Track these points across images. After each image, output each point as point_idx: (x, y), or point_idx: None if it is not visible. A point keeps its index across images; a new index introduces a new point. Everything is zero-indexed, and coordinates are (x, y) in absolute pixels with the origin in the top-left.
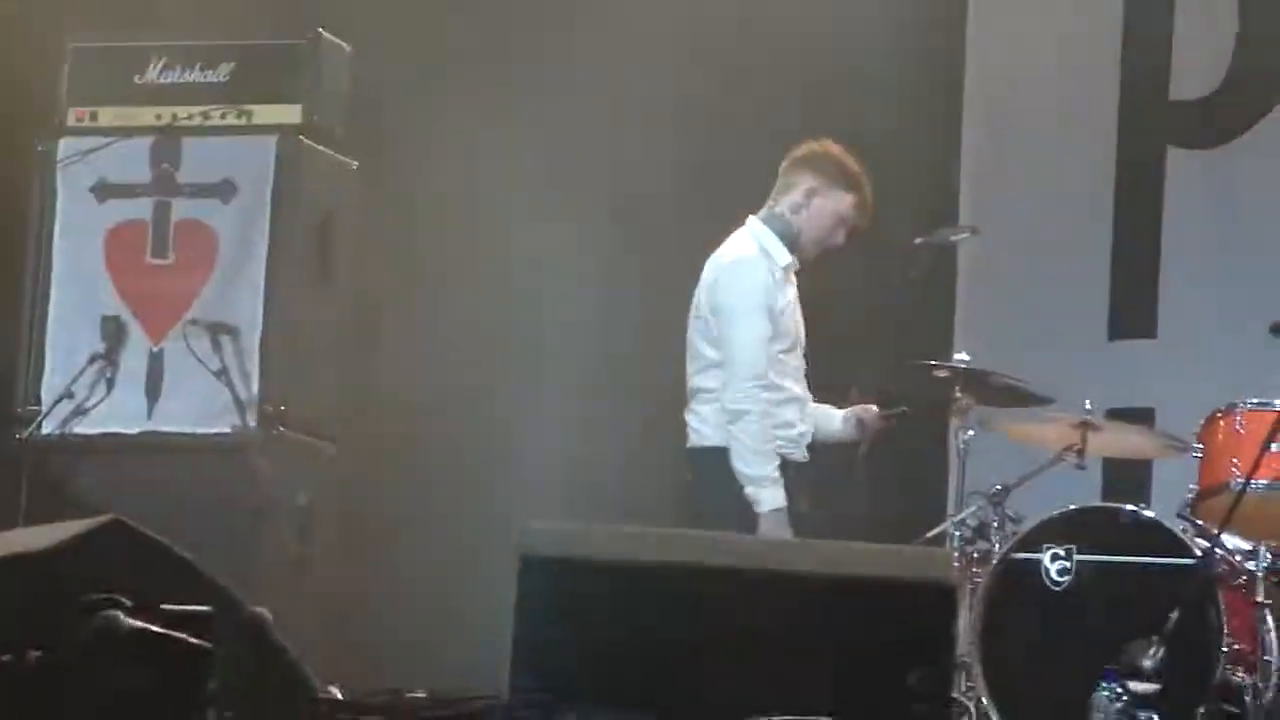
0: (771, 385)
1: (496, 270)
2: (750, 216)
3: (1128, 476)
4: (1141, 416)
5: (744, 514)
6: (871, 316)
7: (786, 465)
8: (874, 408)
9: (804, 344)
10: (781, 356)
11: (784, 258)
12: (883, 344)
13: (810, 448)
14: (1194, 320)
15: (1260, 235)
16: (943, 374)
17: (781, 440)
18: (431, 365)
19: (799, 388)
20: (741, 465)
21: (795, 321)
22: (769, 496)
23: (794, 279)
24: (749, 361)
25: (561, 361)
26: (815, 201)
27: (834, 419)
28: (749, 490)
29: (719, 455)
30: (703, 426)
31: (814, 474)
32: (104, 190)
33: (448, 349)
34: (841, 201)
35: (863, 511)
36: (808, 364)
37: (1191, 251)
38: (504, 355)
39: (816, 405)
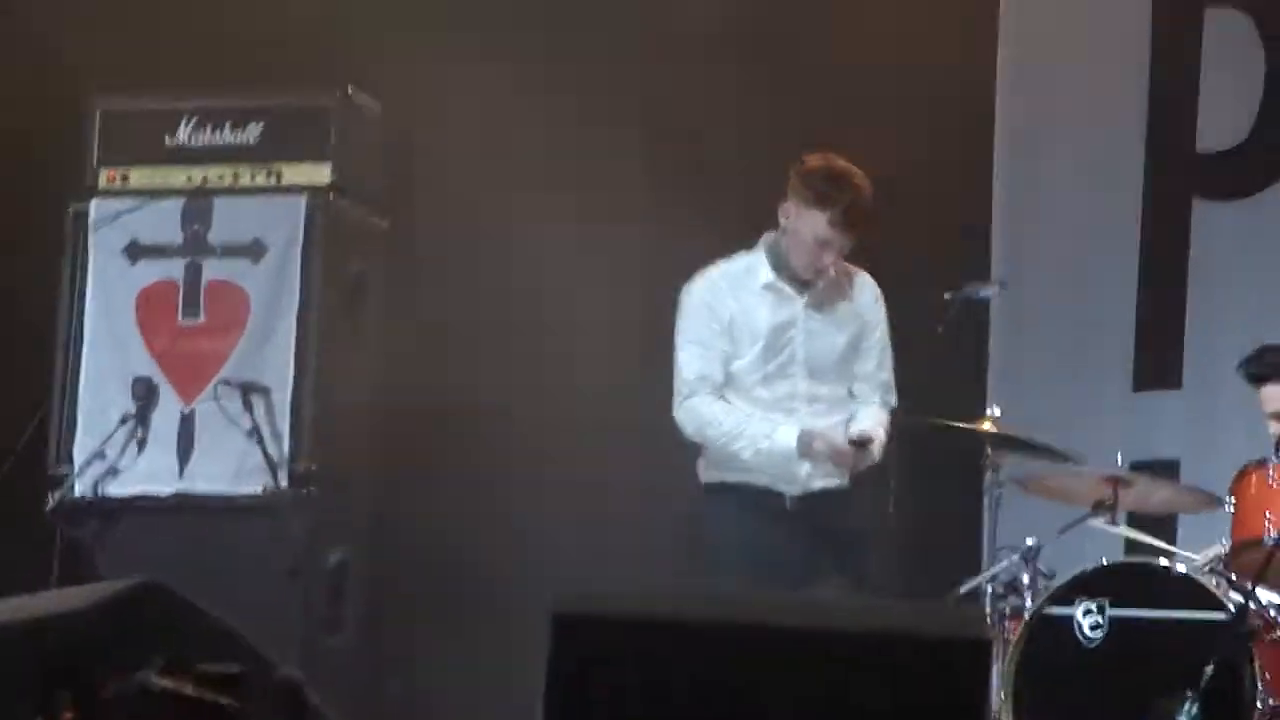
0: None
1: (531, 329)
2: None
3: (1154, 531)
4: (1167, 469)
5: (744, 548)
6: (905, 370)
7: (781, 497)
8: (835, 437)
9: (811, 368)
10: (743, 376)
11: (765, 276)
12: (917, 396)
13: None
14: (1218, 372)
15: None
16: (974, 430)
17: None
18: (464, 425)
19: (778, 413)
20: (733, 452)
21: (780, 339)
22: (780, 438)
23: (792, 296)
24: (679, 379)
25: (596, 417)
26: (790, 225)
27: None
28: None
29: (710, 490)
30: (698, 459)
31: (836, 518)
32: (136, 251)
33: (480, 407)
34: (816, 223)
35: (893, 566)
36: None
37: (1217, 303)
38: (537, 415)
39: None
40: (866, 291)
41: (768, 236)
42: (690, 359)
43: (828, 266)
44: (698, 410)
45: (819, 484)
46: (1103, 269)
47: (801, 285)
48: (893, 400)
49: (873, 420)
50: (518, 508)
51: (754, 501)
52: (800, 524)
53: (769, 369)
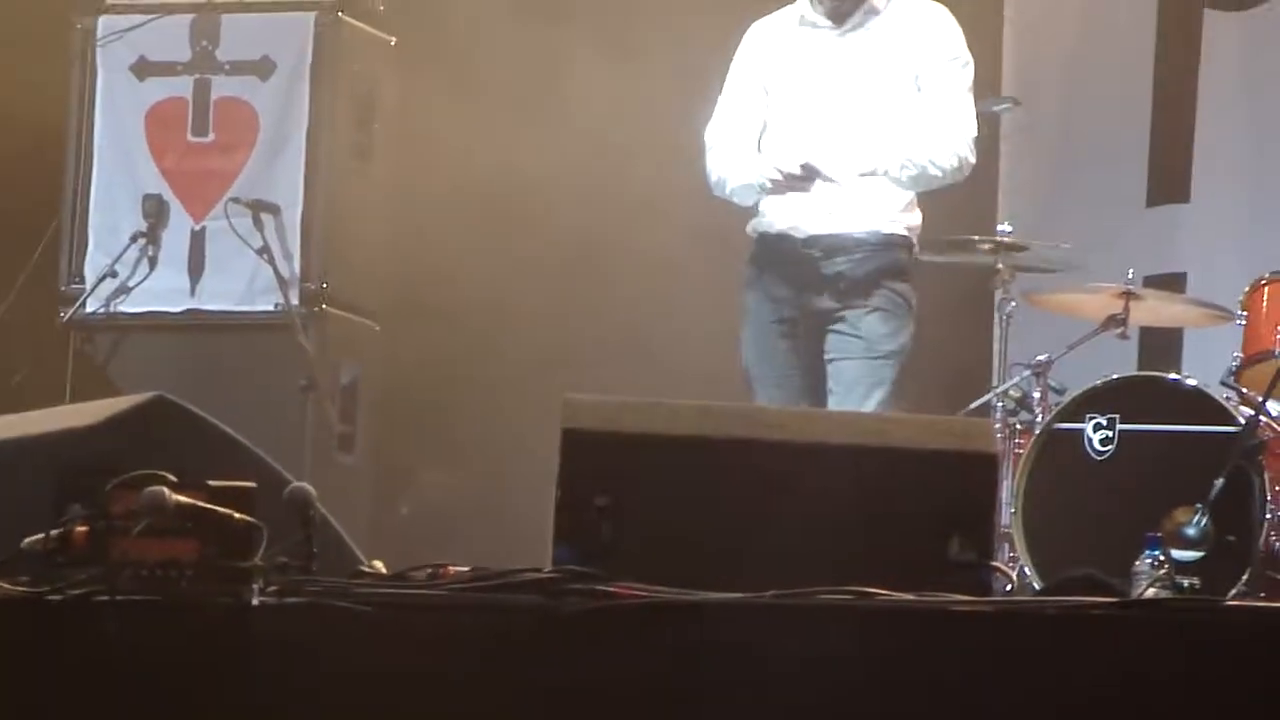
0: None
1: (538, 142)
2: None
3: (1162, 345)
4: (1173, 282)
5: (755, 301)
6: None
7: (794, 241)
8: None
9: (849, 104)
10: (780, 118)
11: (802, 10)
12: (928, 214)
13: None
14: (1225, 185)
15: None
16: (985, 246)
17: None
18: (473, 240)
19: (814, 154)
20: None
21: (812, 75)
22: (750, 172)
23: (826, 29)
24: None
25: (609, 227)
26: None
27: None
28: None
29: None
30: None
31: (851, 265)
32: (143, 68)
33: (488, 223)
34: None
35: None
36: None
37: (1225, 115)
38: (547, 226)
39: None
40: (926, 19)
41: None
42: (716, 113)
43: None
44: (707, 166)
45: (830, 228)
46: (1115, 83)
47: (839, 16)
48: (961, 132)
49: (890, 156)
50: (533, 324)
51: (771, 247)
52: (810, 267)
53: (803, 107)
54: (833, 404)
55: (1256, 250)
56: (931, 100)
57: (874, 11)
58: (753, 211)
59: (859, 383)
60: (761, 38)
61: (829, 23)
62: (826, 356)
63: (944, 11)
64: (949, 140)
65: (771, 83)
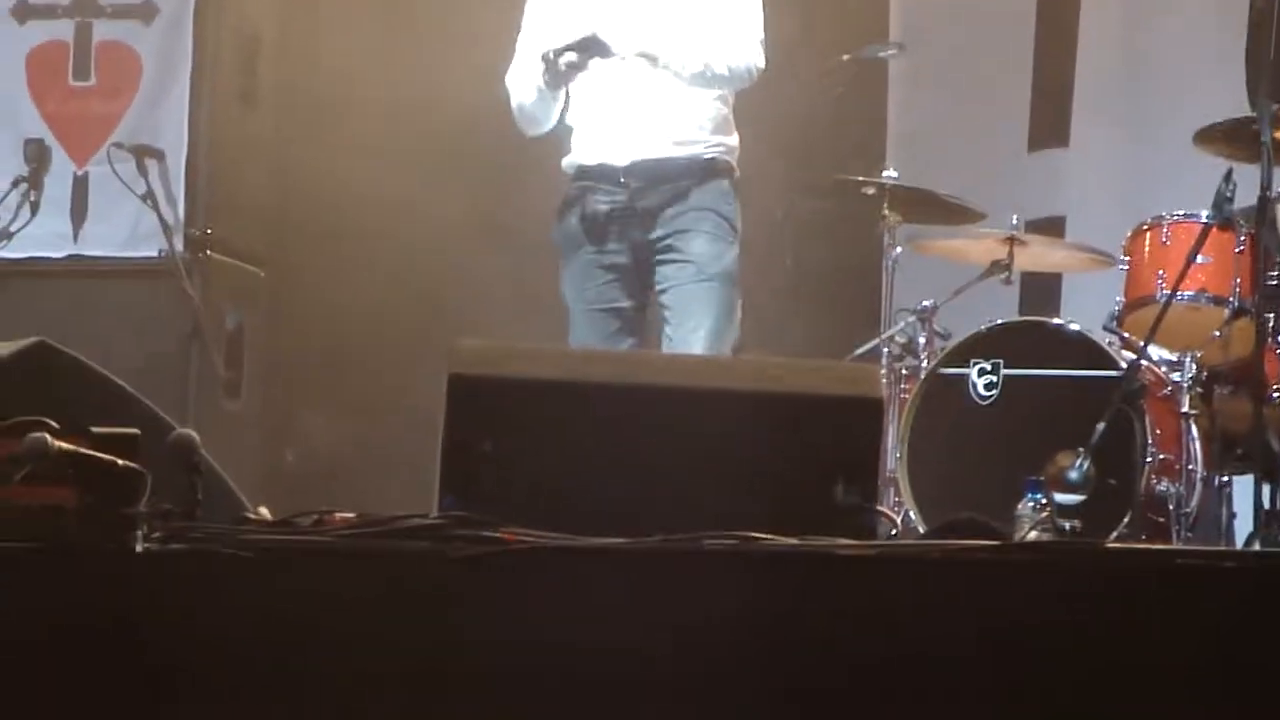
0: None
1: (426, 88)
2: None
3: (1042, 290)
4: (1053, 226)
5: (576, 231)
6: (805, 134)
7: (614, 170)
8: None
9: (638, 34)
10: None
11: None
12: (817, 160)
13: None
14: (1104, 129)
15: (1171, 46)
16: (870, 190)
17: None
18: (359, 186)
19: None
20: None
21: (593, 4)
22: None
23: None
24: None
25: (496, 173)
26: None
27: None
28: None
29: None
30: None
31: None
32: (23, 11)
33: (375, 168)
34: None
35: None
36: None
37: (1104, 60)
38: (435, 172)
39: None
40: None
41: None
42: (514, 58)
43: None
44: (512, 107)
45: (646, 153)
46: (1000, 27)
47: None
48: (748, 36)
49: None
50: (421, 270)
51: (590, 179)
52: (633, 198)
53: (593, 25)
54: (668, 332)
55: (1132, 195)
56: (718, 8)
57: None
58: (565, 149)
59: (690, 310)
60: None
61: None
62: (658, 287)
63: None
64: (735, 43)
65: (564, 16)
